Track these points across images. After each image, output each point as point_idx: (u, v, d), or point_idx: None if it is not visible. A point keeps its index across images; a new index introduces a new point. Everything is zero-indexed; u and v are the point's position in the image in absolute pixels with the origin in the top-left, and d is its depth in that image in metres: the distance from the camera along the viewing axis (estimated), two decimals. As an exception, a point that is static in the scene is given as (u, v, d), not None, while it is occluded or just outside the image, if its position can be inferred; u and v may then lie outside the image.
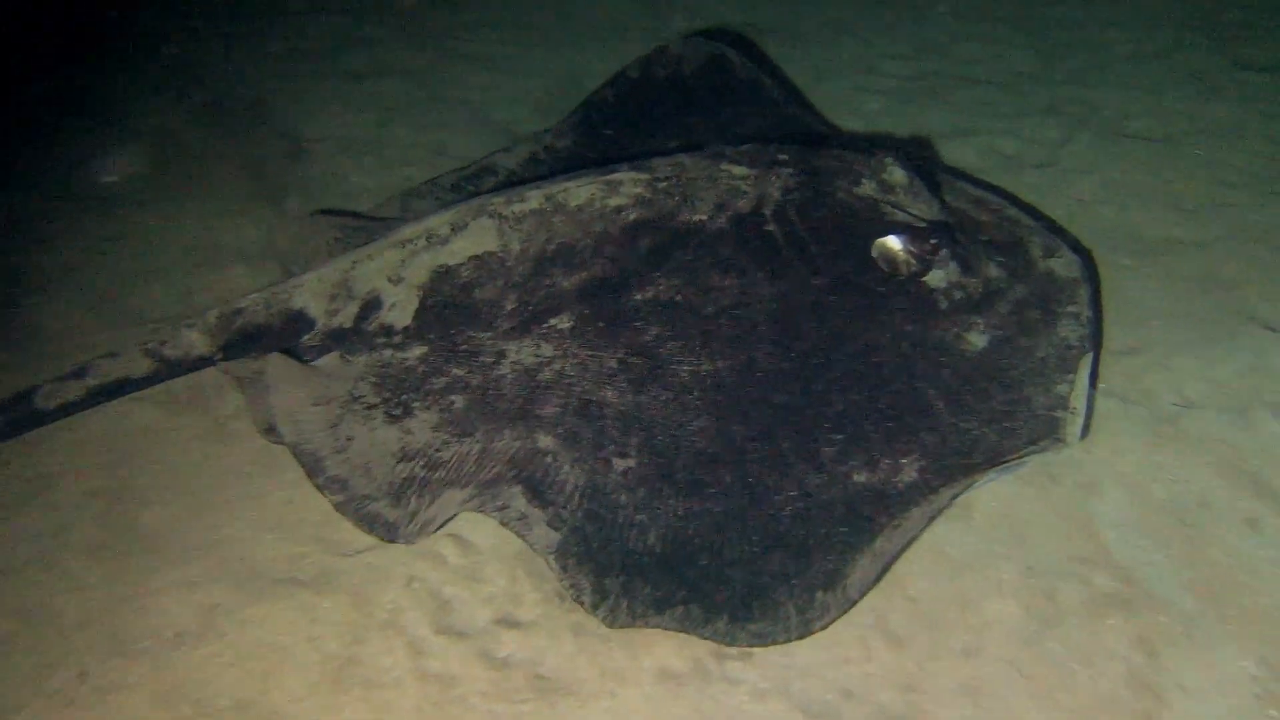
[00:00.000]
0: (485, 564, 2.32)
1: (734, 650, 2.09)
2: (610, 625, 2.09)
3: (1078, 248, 2.73)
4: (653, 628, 2.08)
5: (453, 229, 2.66)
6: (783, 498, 2.19)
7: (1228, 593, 2.21)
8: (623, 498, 2.21)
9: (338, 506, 2.30)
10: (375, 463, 2.35)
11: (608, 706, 2.04)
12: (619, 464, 2.26)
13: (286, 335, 2.62)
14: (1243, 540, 2.33)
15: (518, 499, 2.22)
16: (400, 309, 2.60)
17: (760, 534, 2.14)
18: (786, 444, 2.26)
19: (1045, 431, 2.27)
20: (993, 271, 2.50)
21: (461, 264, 2.61)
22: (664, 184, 2.64)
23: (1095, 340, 2.47)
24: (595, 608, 2.09)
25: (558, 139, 3.53)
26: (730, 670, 2.09)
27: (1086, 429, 2.38)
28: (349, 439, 2.40)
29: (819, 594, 2.05)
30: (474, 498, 2.25)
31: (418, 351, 2.53)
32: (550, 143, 3.52)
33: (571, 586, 2.13)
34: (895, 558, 2.16)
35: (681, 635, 2.10)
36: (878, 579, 2.14)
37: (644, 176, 2.67)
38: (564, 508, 2.21)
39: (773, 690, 2.06)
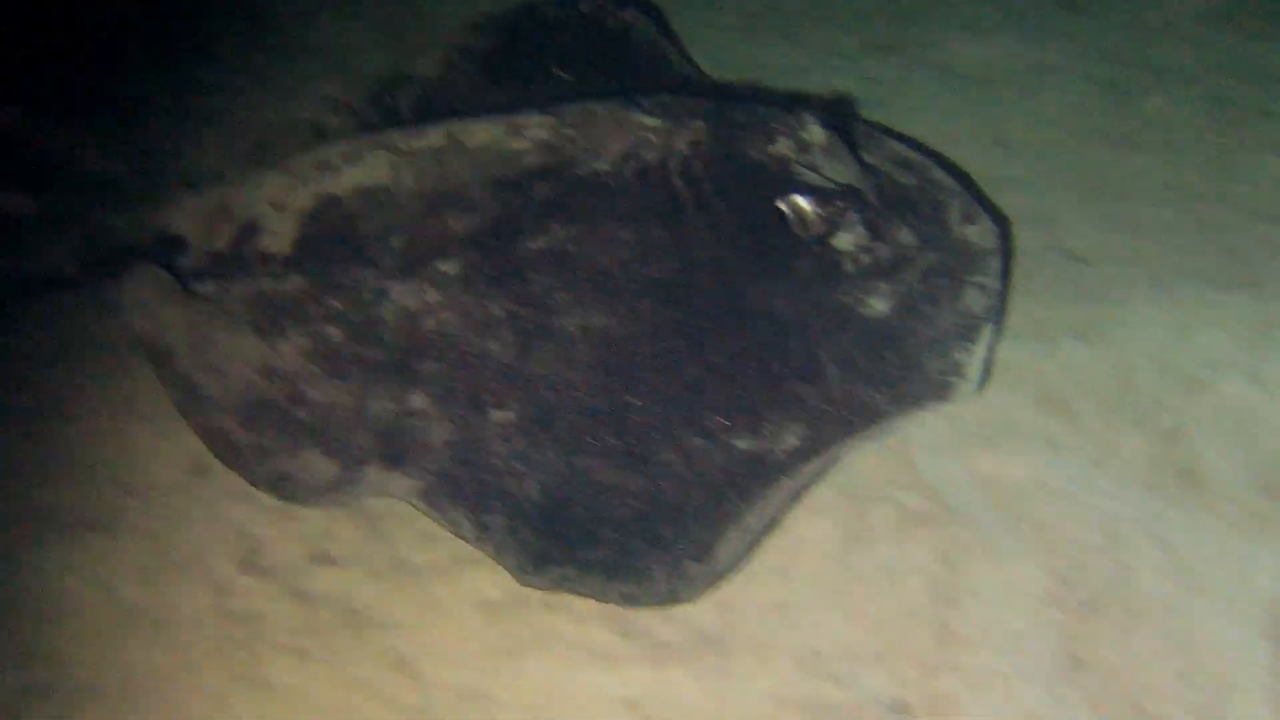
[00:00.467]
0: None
1: (554, 578, 2.09)
2: (505, 566, 2.06)
3: (998, 217, 2.75)
4: (532, 587, 2.05)
5: (345, 159, 2.54)
6: (663, 460, 2.17)
7: (1024, 508, 2.33)
8: (498, 447, 2.17)
9: (178, 405, 2.20)
10: (232, 371, 2.24)
11: (423, 639, 2.02)
12: (496, 415, 2.20)
13: (157, 257, 2.47)
14: (1042, 458, 2.46)
15: (379, 475, 2.17)
16: (280, 237, 2.46)
17: (638, 496, 2.12)
18: (672, 404, 2.23)
19: (933, 394, 2.30)
20: (904, 237, 2.48)
21: (349, 195, 2.48)
22: (570, 130, 2.55)
23: (999, 312, 2.49)
24: (478, 540, 2.07)
25: (475, 38, 3.32)
26: (551, 598, 2.09)
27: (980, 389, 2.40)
28: (208, 339, 2.28)
29: (688, 564, 2.05)
30: (337, 483, 2.17)
31: (296, 282, 2.41)
32: (467, 43, 3.31)
33: (449, 522, 2.10)
34: (767, 531, 2.17)
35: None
36: (747, 553, 2.14)
37: (550, 121, 2.57)
38: (430, 462, 2.16)
39: (592, 616, 2.08)
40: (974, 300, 2.42)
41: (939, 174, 2.74)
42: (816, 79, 3.86)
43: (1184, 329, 2.70)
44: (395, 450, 2.18)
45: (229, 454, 2.19)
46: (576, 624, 2.06)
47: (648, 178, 2.47)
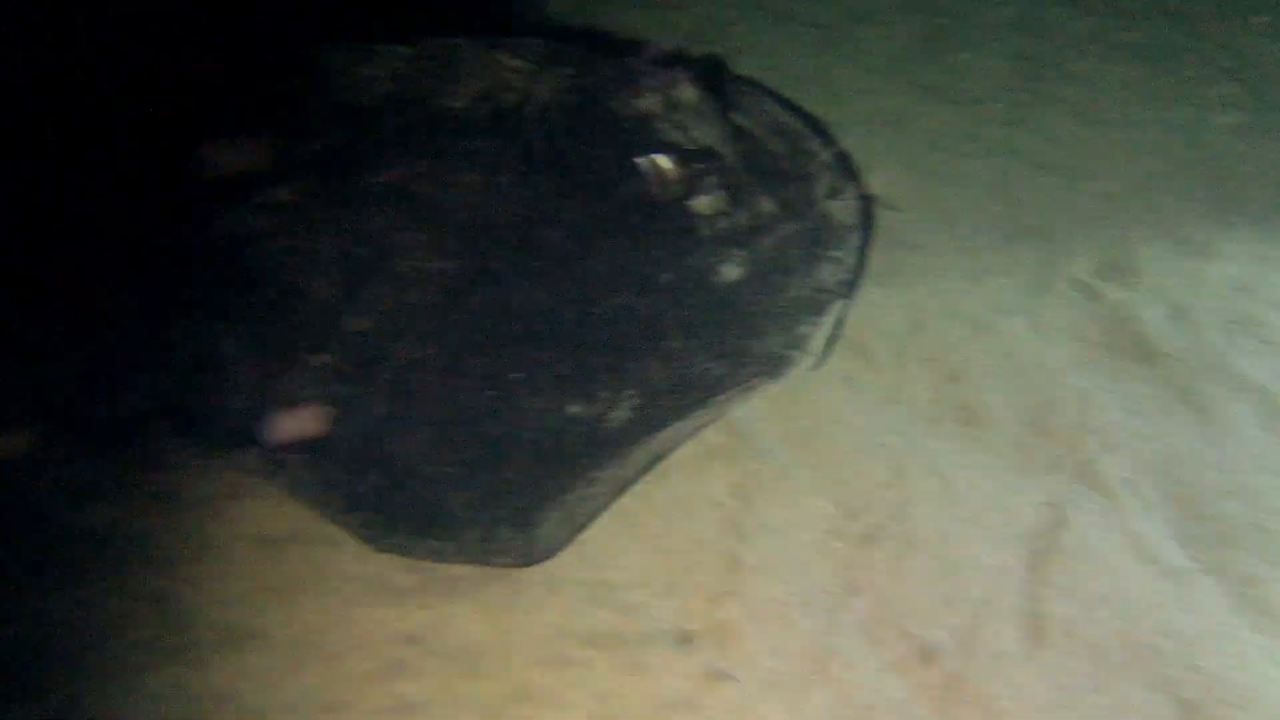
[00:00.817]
0: (60, 431, 2.06)
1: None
2: (295, 496, 1.94)
3: (865, 193, 2.74)
4: (335, 524, 1.94)
5: None
6: (492, 417, 2.06)
7: (817, 443, 2.40)
8: (309, 391, 2.03)
9: None
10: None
11: (189, 576, 1.90)
12: (313, 359, 2.05)
13: None
14: (838, 396, 2.53)
15: (169, 435, 2.01)
16: None
17: (461, 452, 2.02)
18: (507, 359, 2.12)
19: (773, 369, 2.25)
20: (766, 205, 2.42)
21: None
22: (428, 62, 2.39)
23: (851, 286, 2.46)
24: (271, 476, 1.94)
25: None
26: (334, 534, 2.01)
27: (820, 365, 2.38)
28: None
29: (505, 530, 1.97)
30: (123, 430, 2.00)
31: None
32: None
33: (237, 463, 1.97)
34: (594, 515, 2.07)
35: (285, 501, 1.99)
36: (572, 536, 2.03)
37: (408, 51, 2.41)
38: (227, 414, 2.00)
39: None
40: (827, 273, 2.41)
41: (814, 144, 2.67)
42: (651, 14, 3.80)
43: (975, 275, 2.83)
44: (192, 403, 2.01)
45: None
46: (359, 560, 1.98)
47: (503, 121, 2.34)
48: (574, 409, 2.09)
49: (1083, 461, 2.36)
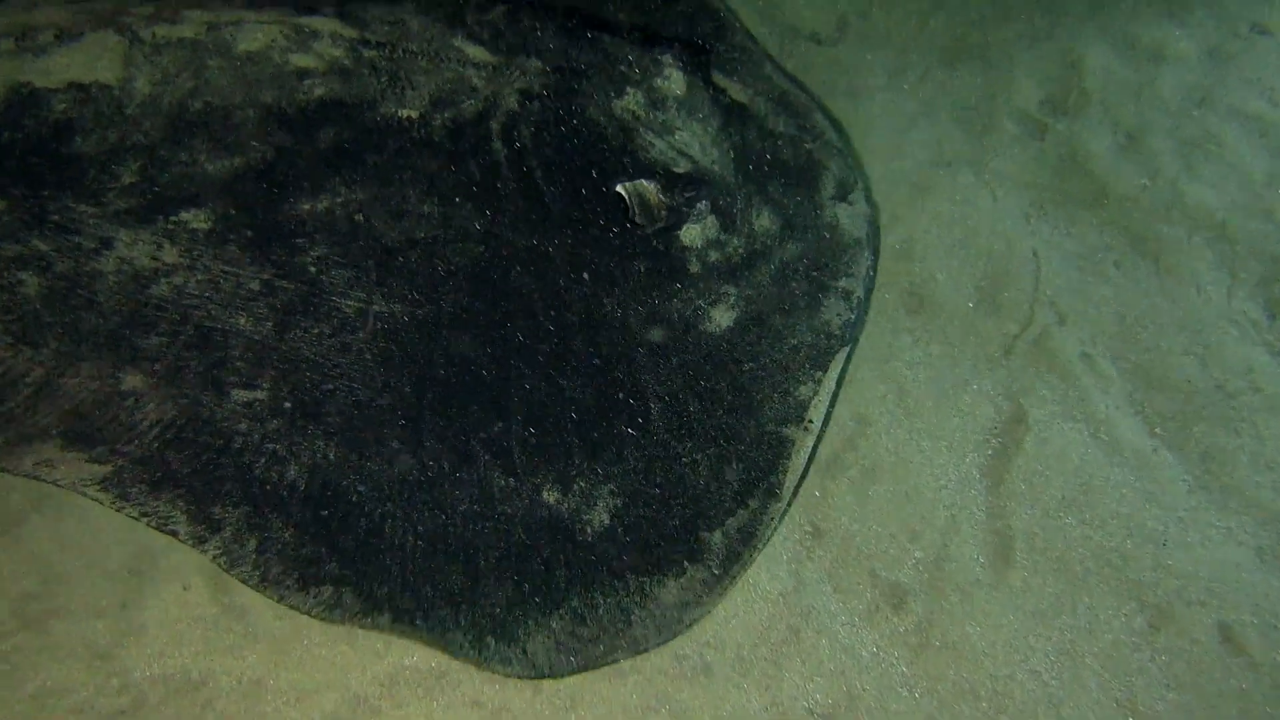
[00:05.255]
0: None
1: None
2: (230, 570, 1.68)
3: (869, 195, 2.26)
4: (289, 605, 1.70)
5: (59, 36, 1.83)
6: (461, 490, 1.78)
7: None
8: (243, 425, 1.73)
9: None
10: None
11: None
12: (240, 395, 1.74)
13: None
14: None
15: (53, 454, 1.70)
16: None
17: (430, 525, 1.75)
18: (468, 420, 1.81)
19: (765, 467, 1.89)
20: (764, 221, 2.05)
21: (57, 91, 1.80)
22: (373, 53, 1.93)
23: (856, 328, 2.07)
24: (201, 541, 1.68)
25: None
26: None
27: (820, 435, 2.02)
28: None
29: (490, 641, 1.74)
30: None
31: None
32: None
33: (143, 514, 1.68)
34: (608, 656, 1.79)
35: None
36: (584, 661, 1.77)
37: (350, 33, 1.94)
38: (130, 444, 1.71)
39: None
40: (832, 311, 2.03)
41: (819, 120, 2.24)
42: None
43: (912, 118, 2.54)
44: (84, 428, 1.72)
45: None
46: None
47: (463, 136, 1.93)
48: (550, 496, 1.82)
49: (1037, 339, 2.23)
